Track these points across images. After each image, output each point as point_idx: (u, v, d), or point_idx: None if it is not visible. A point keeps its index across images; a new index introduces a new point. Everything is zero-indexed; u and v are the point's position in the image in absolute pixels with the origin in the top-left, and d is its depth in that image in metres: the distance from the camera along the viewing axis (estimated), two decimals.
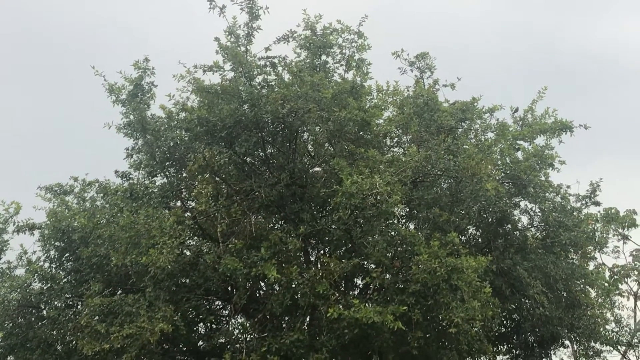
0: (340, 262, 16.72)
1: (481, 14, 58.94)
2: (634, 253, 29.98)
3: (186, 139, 18.02)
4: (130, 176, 19.49)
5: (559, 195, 20.58)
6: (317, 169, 18.34)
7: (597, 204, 21.29)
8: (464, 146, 18.95)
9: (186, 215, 17.53)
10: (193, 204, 18.07)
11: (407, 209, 19.11)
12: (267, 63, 18.21)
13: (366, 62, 19.75)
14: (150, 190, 18.69)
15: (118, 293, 17.65)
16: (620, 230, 28.87)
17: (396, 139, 20.60)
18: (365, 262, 17.59)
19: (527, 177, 19.43)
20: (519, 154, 20.59)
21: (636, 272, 28.95)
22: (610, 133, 52.35)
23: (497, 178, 19.21)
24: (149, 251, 15.73)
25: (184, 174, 18.56)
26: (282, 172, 17.73)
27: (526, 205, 20.49)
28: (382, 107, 20.09)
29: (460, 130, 20.35)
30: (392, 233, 17.45)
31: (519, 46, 59.81)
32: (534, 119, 21.68)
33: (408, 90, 21.02)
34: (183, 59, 17.69)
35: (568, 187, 20.94)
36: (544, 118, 21.45)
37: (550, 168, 20.52)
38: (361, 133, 18.51)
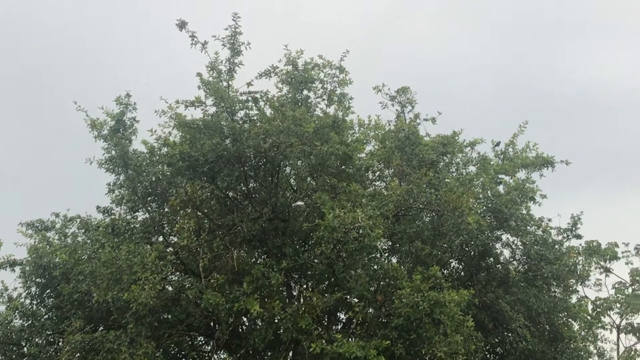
0: (323, 296, 16.76)
1: (462, 48, 59.57)
2: (616, 286, 30.23)
3: (168, 174, 18.07)
4: (112, 212, 19.49)
5: (541, 229, 20.73)
6: (300, 203, 18.51)
7: (579, 237, 21.50)
8: (446, 180, 19.25)
9: (168, 250, 17.46)
10: (175, 239, 18.06)
11: (390, 243, 19.21)
12: (249, 98, 18.33)
13: (348, 97, 19.91)
14: (132, 226, 18.68)
15: (99, 330, 17.58)
16: (602, 263, 29.17)
17: (378, 172, 20.72)
18: (348, 297, 17.58)
19: (508, 211, 19.61)
20: (501, 188, 20.85)
21: (618, 305, 29.15)
22: (591, 165, 52.86)
23: (479, 211, 19.37)
24: (131, 287, 15.69)
25: (166, 209, 18.51)
26: (264, 206, 17.77)
27: (508, 238, 20.65)
28: (364, 141, 20.30)
29: (441, 163, 20.63)
30: (375, 267, 17.55)
31: (501, 80, 60.49)
32: (515, 153, 22.08)
33: (389, 125, 21.29)
34: (165, 94, 17.84)
35: (549, 220, 21.19)
36: (525, 152, 21.87)
37: (532, 202, 20.75)
38: (343, 167, 18.62)
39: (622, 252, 30.24)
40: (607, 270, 29.67)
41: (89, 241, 19.44)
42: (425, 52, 57.94)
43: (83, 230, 20.16)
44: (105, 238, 18.24)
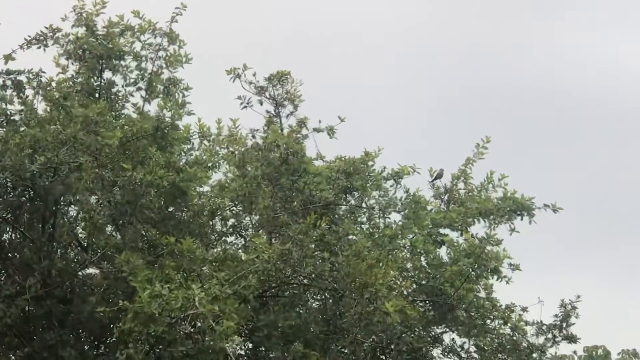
0: None
1: (390, 16, 59.57)
2: None
3: None
4: None
5: (509, 324, 21.23)
6: (92, 270, 19.02)
7: (573, 339, 21.75)
8: (350, 236, 19.91)
9: None
10: None
11: (250, 345, 19.63)
12: (9, 82, 18.76)
13: (182, 86, 20.54)
14: None
15: None
16: None
17: (233, 220, 21.23)
18: None
19: (455, 293, 20.33)
20: (443, 252, 21.40)
21: None
22: (605, 215, 53.66)
23: (406, 292, 19.87)
24: None
25: None
26: (29, 274, 17.98)
27: (454, 340, 21.33)
28: (210, 165, 20.71)
29: (343, 208, 21.25)
30: None
31: (448, 70, 60.34)
32: (468, 191, 22.63)
33: (254, 137, 21.42)
34: None
35: (524, 309, 21.54)
36: (485, 189, 22.45)
37: (495, 276, 21.22)
38: (171, 209, 19.26)
39: None
40: None
41: None
42: (322, 17, 57.88)
43: None
44: None
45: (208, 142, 21.90)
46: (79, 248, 20.02)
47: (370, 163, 21.72)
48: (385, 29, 54.34)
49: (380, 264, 18.44)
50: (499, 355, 20.98)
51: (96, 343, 19.40)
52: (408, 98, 51.93)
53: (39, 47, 19.48)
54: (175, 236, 18.11)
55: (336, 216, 20.77)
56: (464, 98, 53.74)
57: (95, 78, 20.18)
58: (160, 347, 16.83)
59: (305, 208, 20.04)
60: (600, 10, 57.24)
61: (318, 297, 20.27)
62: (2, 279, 18.78)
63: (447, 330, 21.36)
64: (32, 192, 18.60)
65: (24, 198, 18.77)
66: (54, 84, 19.44)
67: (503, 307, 21.49)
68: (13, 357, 18.96)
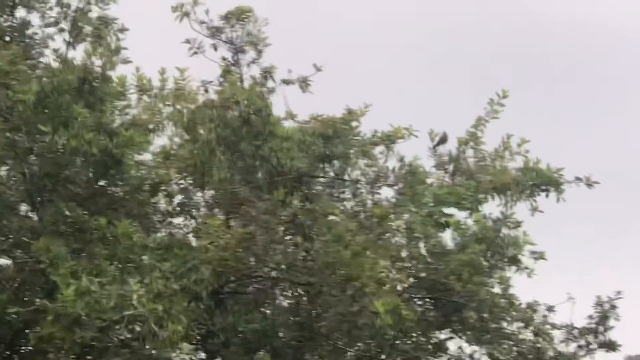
0: None
1: None
2: None
3: None
4: None
5: (531, 328, 21.07)
6: (2, 260, 18.85)
7: (612, 346, 21.58)
8: (331, 217, 19.41)
9: None
10: None
11: (203, 354, 19.50)
12: None
13: (116, 27, 20.45)
14: None
15: None
16: None
17: (181, 197, 21.09)
18: None
19: (463, 288, 19.82)
20: (448, 237, 20.96)
21: None
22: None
23: (400, 288, 19.42)
24: None
25: None
26: None
27: (461, 349, 21.08)
28: (151, 127, 20.45)
29: (320, 180, 21.04)
30: None
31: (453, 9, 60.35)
32: (479, 160, 21.92)
33: (207, 91, 21.20)
34: None
35: (550, 309, 21.41)
36: (501, 157, 21.81)
37: (514, 268, 21.00)
38: (103, 183, 19.11)
39: None
40: None
41: None
42: None
43: None
44: None
45: (149, 98, 21.29)
46: None
47: (354, 124, 21.14)
48: None
49: (368, 252, 17.94)
50: None
51: (8, 352, 19.08)
52: (401, 43, 51.68)
53: None
54: (108, 217, 17.89)
55: (312, 191, 20.38)
56: (474, 43, 53.66)
57: (6, 17, 19.97)
58: (89, 357, 16.71)
59: (272, 181, 19.67)
60: None
61: (289, 294, 20.09)
62: None
63: (453, 335, 21.09)
64: None
65: None
66: None
67: (524, 306, 21.33)
68: None
